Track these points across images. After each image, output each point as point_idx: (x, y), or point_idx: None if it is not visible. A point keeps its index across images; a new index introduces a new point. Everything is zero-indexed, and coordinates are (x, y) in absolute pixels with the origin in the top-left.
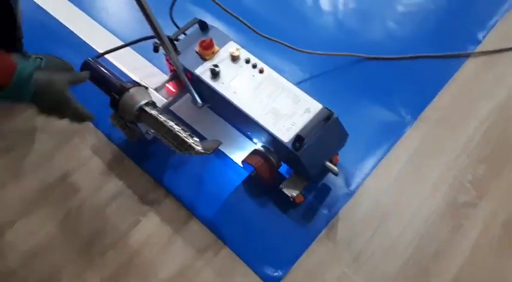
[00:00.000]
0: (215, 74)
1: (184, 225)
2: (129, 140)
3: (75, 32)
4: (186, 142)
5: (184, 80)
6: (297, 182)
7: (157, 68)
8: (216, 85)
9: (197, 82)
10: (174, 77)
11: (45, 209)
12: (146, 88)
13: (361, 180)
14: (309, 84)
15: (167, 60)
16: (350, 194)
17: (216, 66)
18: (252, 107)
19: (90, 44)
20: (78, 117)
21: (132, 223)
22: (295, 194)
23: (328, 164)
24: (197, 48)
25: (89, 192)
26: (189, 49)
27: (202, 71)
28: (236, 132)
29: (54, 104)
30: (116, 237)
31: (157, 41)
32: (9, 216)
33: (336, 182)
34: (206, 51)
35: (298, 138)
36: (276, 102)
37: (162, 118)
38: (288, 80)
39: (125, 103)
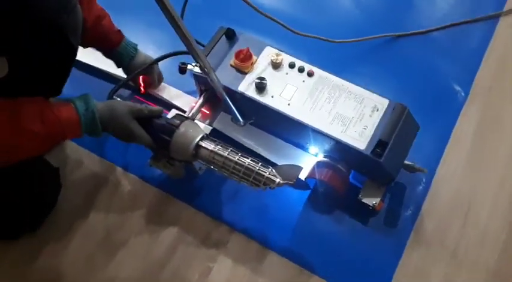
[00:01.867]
0: (262, 88)
1: (261, 261)
2: (173, 177)
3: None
4: (263, 175)
5: (225, 100)
6: (375, 188)
7: (179, 88)
8: (265, 100)
9: (240, 100)
10: (209, 98)
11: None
12: (193, 119)
13: (433, 170)
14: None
15: (197, 81)
16: (426, 187)
17: (262, 78)
18: (314, 118)
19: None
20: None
21: (203, 273)
22: (376, 202)
23: (408, 162)
24: (232, 62)
25: (143, 249)
26: (222, 64)
27: (246, 87)
28: (284, 144)
29: (122, 132)
30: None
31: (184, 61)
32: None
33: (407, 177)
34: (245, 63)
35: (380, 144)
36: (339, 106)
37: (225, 152)
38: (341, 78)
39: (178, 143)
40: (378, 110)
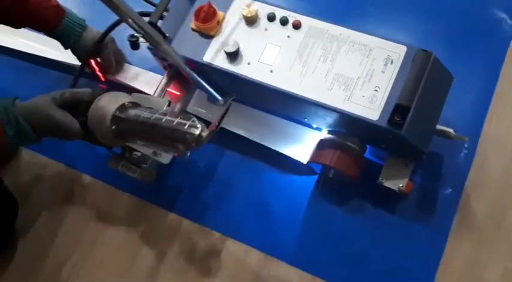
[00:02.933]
0: (234, 54)
1: (263, 272)
2: (146, 182)
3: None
4: (182, 130)
5: (192, 76)
6: (400, 166)
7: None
8: (240, 69)
9: (210, 73)
10: (174, 76)
11: None
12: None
13: (477, 132)
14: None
15: (155, 55)
16: (470, 155)
17: (230, 41)
18: (306, 85)
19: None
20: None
21: None
22: (403, 185)
23: (442, 127)
24: (193, 25)
25: (123, 268)
26: (181, 30)
27: (213, 55)
28: (279, 121)
29: (48, 124)
30: None
31: (133, 33)
32: None
33: (442, 143)
34: (207, 23)
35: (399, 109)
36: (338, 65)
37: (144, 114)
38: (339, 25)
39: (93, 120)
40: (392, 62)
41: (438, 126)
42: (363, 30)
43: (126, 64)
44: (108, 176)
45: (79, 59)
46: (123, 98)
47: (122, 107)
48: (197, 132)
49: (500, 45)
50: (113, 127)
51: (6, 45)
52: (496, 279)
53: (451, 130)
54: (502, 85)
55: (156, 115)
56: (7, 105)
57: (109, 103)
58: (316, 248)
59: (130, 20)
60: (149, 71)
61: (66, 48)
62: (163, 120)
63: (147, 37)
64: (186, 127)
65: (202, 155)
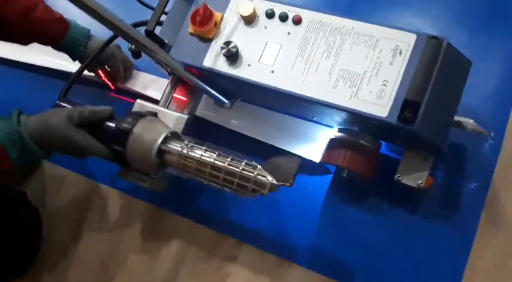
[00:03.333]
0: (233, 57)
1: (280, 276)
2: (154, 190)
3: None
4: (249, 178)
5: (194, 81)
6: (418, 160)
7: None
8: (240, 72)
9: (211, 78)
10: (178, 82)
11: None
12: (155, 114)
13: (504, 119)
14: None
15: (157, 63)
16: (496, 146)
17: (229, 43)
18: (309, 84)
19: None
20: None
21: None
22: (422, 181)
23: (460, 118)
24: (190, 29)
25: (143, 272)
26: (180, 35)
27: (214, 60)
28: (288, 119)
29: (65, 146)
30: None
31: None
32: None
33: (466, 134)
34: (205, 27)
35: (408, 105)
36: (343, 60)
37: (198, 153)
38: (341, 16)
39: (135, 153)
40: (400, 52)
41: (456, 117)
42: (370, 19)
43: (135, 70)
44: (125, 185)
45: (88, 69)
46: (162, 128)
47: (165, 139)
48: (268, 183)
49: None
50: (157, 160)
51: (15, 59)
52: None
53: (470, 121)
54: None
55: (216, 156)
56: (11, 124)
57: (150, 135)
58: (333, 249)
59: (119, 31)
60: (158, 76)
61: (74, 60)
62: (226, 164)
63: (140, 47)
64: (255, 175)
65: None
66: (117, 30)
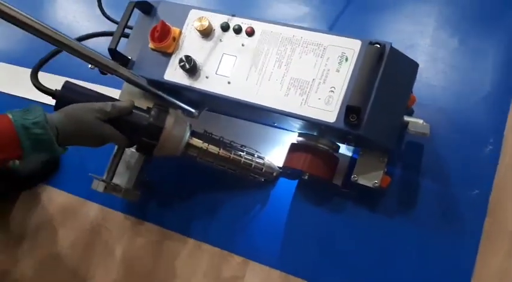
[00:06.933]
0: (191, 70)
1: None
2: (134, 201)
3: None
4: (262, 168)
5: (158, 95)
6: (373, 161)
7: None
8: (199, 84)
9: (174, 90)
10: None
11: None
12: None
13: (503, 121)
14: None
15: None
16: (495, 149)
17: (186, 57)
18: (263, 93)
19: None
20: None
21: None
22: (377, 181)
23: (409, 118)
24: (151, 45)
25: None
26: (142, 50)
27: (173, 73)
28: (255, 126)
29: (95, 141)
30: None
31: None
32: None
33: (464, 140)
34: (163, 42)
35: (351, 110)
36: (293, 69)
37: (218, 150)
38: (292, 26)
39: (166, 146)
40: (346, 59)
41: (406, 118)
42: (319, 29)
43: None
44: (130, 208)
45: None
46: (185, 125)
47: (192, 134)
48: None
49: None
50: (183, 149)
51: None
52: None
53: (420, 121)
54: None
55: (233, 153)
56: (41, 121)
57: (179, 131)
58: (309, 257)
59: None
60: None
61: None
62: (242, 162)
63: (97, 64)
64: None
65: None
66: (64, 46)
